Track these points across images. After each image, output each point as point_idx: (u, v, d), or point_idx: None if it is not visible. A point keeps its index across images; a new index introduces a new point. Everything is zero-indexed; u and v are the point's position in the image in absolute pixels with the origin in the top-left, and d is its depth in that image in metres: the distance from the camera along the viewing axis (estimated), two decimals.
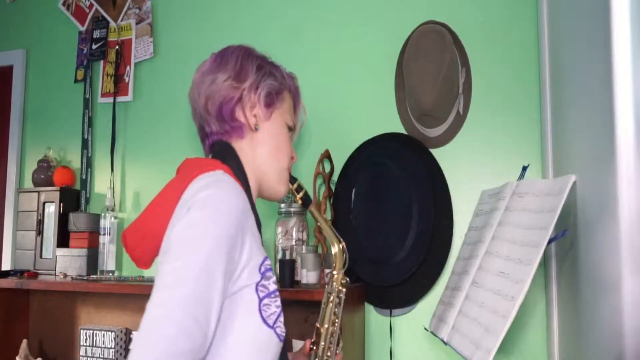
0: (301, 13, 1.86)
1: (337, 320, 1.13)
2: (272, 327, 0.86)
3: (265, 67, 1.03)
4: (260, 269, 0.86)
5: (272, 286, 0.89)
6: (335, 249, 1.15)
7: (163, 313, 0.72)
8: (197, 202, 0.81)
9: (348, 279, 1.16)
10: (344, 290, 1.15)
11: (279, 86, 1.04)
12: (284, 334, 0.89)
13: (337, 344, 1.13)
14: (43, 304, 2.01)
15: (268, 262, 0.89)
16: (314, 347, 1.11)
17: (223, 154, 0.99)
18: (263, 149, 1.02)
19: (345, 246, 1.17)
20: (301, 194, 1.11)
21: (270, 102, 1.02)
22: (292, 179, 1.10)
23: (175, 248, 0.79)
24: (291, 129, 1.09)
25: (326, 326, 1.12)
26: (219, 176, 0.87)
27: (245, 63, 1.01)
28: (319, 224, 1.17)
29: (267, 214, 1.76)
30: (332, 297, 1.14)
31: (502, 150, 1.59)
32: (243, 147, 1.01)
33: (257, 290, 0.85)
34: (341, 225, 1.63)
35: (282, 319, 0.89)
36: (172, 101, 1.99)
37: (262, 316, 0.84)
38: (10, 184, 2.22)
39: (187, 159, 0.99)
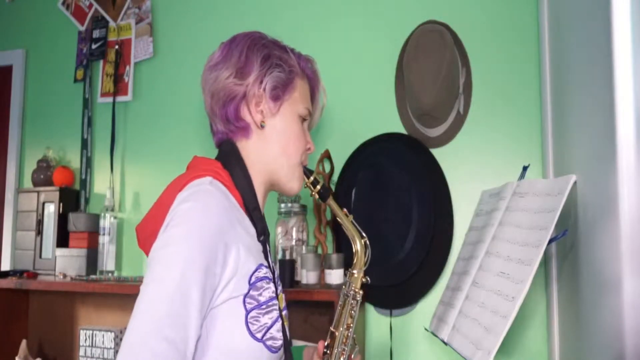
0: (301, 13, 1.86)
1: (352, 325, 1.05)
2: (260, 340, 0.83)
3: (272, 57, 0.97)
4: (250, 279, 0.84)
5: (265, 296, 0.85)
6: (357, 246, 1.06)
7: (137, 339, 0.72)
8: (175, 217, 0.81)
9: (369, 278, 1.07)
10: (361, 292, 1.06)
11: (287, 76, 0.98)
12: (277, 345, 0.86)
13: (352, 349, 1.06)
14: (42, 304, 2.01)
15: (262, 271, 0.86)
16: (328, 351, 1.04)
17: (227, 155, 0.97)
18: (271, 147, 0.97)
19: (367, 242, 1.07)
20: (318, 187, 1.05)
21: (277, 95, 0.97)
22: (308, 172, 1.04)
23: (150, 268, 0.78)
24: (305, 118, 1.02)
25: (341, 329, 1.04)
26: (203, 186, 0.85)
27: (250, 55, 0.96)
28: (338, 218, 1.07)
29: (267, 214, 1.75)
30: (349, 299, 1.06)
31: (502, 150, 1.59)
32: (249, 146, 0.98)
33: (244, 302, 0.82)
34: None
35: (275, 330, 0.86)
36: (172, 101, 1.99)
37: (249, 330, 0.82)
38: (9, 184, 2.22)
39: (195, 157, 0.98)
